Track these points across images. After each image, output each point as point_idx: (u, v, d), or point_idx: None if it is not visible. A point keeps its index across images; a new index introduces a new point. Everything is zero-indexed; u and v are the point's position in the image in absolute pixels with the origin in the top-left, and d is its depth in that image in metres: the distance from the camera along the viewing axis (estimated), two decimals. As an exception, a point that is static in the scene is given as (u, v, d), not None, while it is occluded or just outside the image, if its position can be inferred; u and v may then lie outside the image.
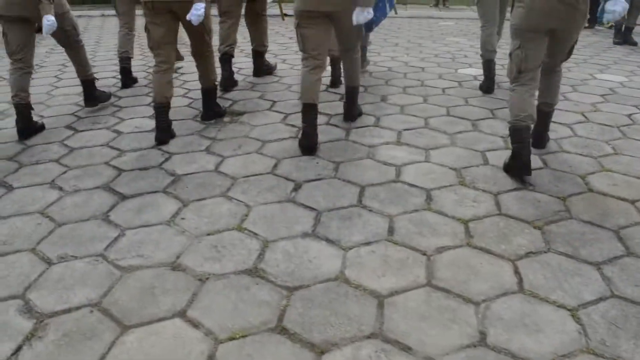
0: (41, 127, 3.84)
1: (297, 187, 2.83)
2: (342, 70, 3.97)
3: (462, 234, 2.37)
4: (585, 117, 4.02)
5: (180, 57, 5.12)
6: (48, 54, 6.82)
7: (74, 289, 2.01)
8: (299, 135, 3.47)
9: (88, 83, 4.26)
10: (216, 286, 2.02)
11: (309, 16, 3.30)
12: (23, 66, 3.72)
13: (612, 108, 4.26)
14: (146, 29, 3.52)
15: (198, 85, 3.99)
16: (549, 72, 3.20)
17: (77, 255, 2.23)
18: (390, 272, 2.09)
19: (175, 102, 4.30)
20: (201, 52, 3.78)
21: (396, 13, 5.76)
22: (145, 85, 4.98)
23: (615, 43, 7.47)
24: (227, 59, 4.69)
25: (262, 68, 5.22)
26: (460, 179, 2.93)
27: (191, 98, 4.53)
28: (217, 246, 2.28)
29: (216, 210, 2.60)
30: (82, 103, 4.36)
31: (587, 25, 9.05)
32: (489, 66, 4.64)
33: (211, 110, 3.98)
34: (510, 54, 3.07)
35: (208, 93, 3.95)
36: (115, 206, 2.65)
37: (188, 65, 5.79)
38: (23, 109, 3.70)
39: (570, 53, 3.14)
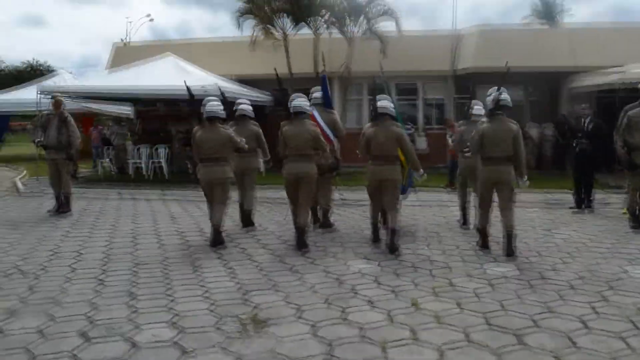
0: (223, 241, 6.30)
1: None
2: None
3: None
4: (634, 324, 3.74)
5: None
6: (63, 238, 6.65)
7: None
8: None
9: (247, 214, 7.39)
10: None
11: (372, 183, 6.26)
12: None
13: (659, 310, 4.00)
14: (286, 189, 6.39)
15: (220, 286, 4.68)
16: (503, 209, 5.89)
17: None
18: None
19: (192, 306, 4.16)
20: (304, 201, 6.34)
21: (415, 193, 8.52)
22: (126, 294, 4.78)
23: (632, 227, 7.33)
24: (314, 212, 7.25)
25: (327, 222, 7.30)
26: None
27: (211, 300, 4.29)
28: None
29: None
30: (95, 300, 4.17)
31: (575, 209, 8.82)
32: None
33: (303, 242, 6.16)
34: (476, 194, 6.46)
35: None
36: None
37: (210, 267, 5.67)
38: (216, 229, 6.26)
39: (511, 199, 5.86)
